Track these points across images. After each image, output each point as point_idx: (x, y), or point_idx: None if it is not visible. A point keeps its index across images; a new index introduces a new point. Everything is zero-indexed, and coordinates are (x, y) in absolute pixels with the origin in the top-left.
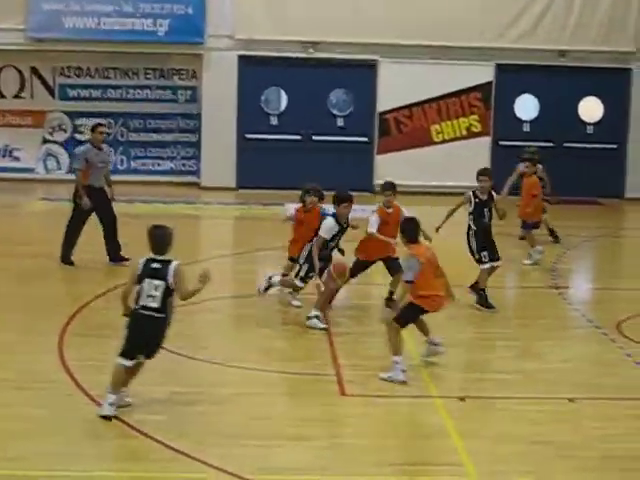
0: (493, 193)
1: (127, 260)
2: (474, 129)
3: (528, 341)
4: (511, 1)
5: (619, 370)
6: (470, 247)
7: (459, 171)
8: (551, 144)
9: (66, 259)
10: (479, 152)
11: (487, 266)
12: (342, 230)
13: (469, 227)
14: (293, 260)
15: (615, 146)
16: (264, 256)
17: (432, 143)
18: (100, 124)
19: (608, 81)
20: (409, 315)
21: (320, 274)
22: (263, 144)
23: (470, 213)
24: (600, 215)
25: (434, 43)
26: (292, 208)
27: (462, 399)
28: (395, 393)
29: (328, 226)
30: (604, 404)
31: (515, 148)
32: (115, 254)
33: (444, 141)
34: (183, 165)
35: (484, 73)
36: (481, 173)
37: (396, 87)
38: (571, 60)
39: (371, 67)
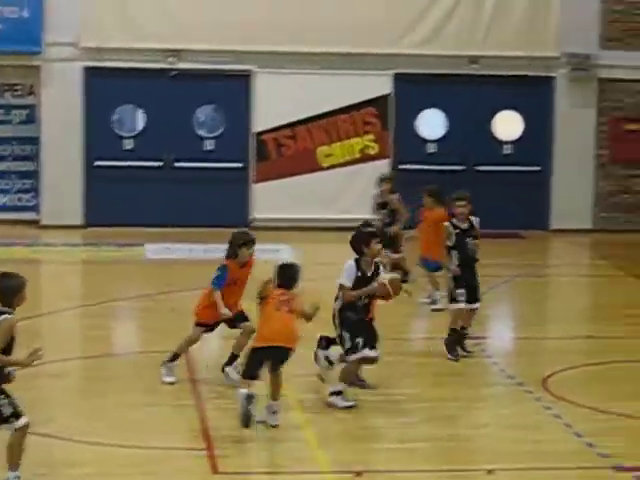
0: (473, 219)
1: None
2: (370, 151)
3: (438, 402)
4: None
5: (546, 434)
6: (448, 287)
7: (352, 201)
8: (461, 168)
9: None
10: (376, 178)
11: (461, 306)
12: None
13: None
14: (204, 326)
15: (538, 169)
16: (120, 308)
17: (320, 169)
18: None
19: (528, 92)
20: (251, 363)
21: None
22: (116, 172)
23: (452, 247)
24: (522, 251)
25: (320, 50)
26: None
27: (359, 474)
28: (278, 468)
29: (349, 271)
30: (528, 475)
31: (419, 172)
32: None
33: (334, 166)
34: (19, 199)
35: (380, 85)
36: (459, 197)
37: (275, 102)
38: (483, 68)
39: (245, 79)
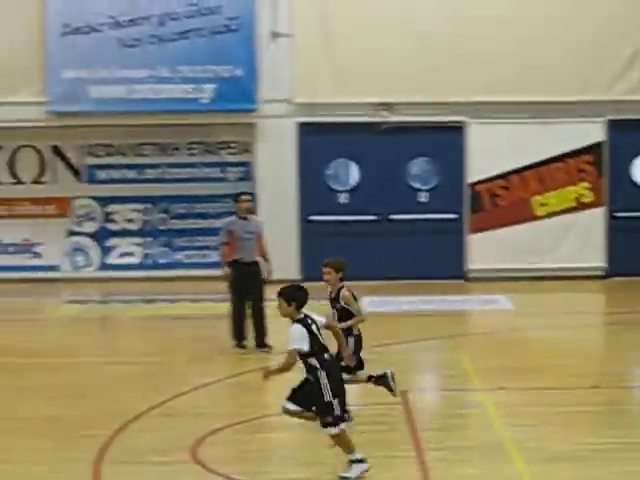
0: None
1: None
2: (584, 199)
3: None
4: (620, 45)
5: None
6: None
7: (569, 250)
8: None
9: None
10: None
11: None
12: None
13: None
14: None
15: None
16: None
17: (535, 218)
18: (243, 193)
19: None
20: None
21: None
22: (329, 227)
23: None
24: None
25: (531, 99)
26: None
27: None
28: None
29: None
30: None
31: (637, 220)
32: (260, 341)
33: (549, 215)
34: None
35: (594, 132)
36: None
37: (488, 153)
38: None
39: (458, 130)
